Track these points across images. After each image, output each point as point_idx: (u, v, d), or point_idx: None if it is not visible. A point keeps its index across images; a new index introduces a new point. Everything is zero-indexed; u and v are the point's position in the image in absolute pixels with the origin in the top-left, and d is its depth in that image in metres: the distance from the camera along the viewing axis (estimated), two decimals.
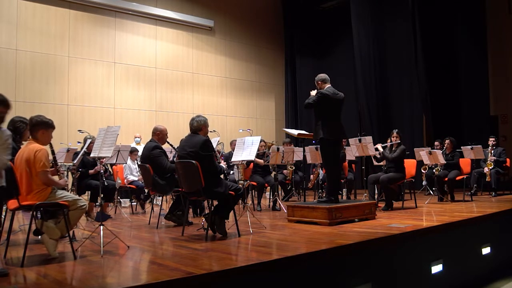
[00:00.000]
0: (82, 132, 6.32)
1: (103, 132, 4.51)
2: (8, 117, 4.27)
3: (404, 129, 9.76)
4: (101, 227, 3.89)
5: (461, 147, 8.07)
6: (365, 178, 7.02)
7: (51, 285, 2.66)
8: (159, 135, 5.50)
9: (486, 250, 5.17)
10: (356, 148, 7.05)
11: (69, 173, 6.80)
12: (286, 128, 10.78)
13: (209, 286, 2.81)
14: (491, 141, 8.51)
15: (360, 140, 6.95)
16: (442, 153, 7.48)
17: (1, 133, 2.99)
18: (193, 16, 11.71)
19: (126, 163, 7.30)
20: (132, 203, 7.68)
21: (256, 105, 13.07)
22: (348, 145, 7.60)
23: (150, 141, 5.51)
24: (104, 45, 10.37)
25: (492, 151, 8.44)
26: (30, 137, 3.66)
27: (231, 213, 4.47)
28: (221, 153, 7.74)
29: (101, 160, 5.25)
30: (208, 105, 11.95)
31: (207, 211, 5.24)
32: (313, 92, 5.53)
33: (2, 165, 2.94)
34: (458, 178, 7.46)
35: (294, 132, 6.39)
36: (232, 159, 5.72)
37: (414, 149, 8.49)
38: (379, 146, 6.78)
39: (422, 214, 5.89)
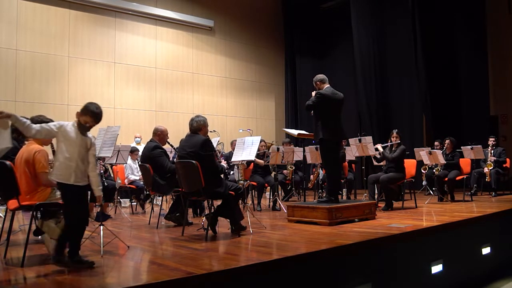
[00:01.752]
0: None
1: (103, 132, 4.52)
2: None
3: (404, 129, 9.76)
4: (101, 227, 3.90)
5: (461, 147, 8.07)
6: (365, 178, 7.02)
7: (51, 285, 2.66)
8: (160, 135, 5.50)
9: (486, 250, 5.17)
10: (356, 148, 7.04)
11: None
12: (286, 128, 10.78)
13: (209, 286, 2.81)
14: (491, 141, 8.51)
15: (360, 140, 6.95)
16: (442, 153, 7.48)
17: (89, 138, 3.24)
18: (193, 16, 11.70)
19: (126, 163, 7.30)
20: (132, 203, 7.68)
21: (256, 105, 13.07)
22: (348, 145, 7.60)
23: (150, 141, 5.51)
24: (104, 45, 10.37)
25: (492, 151, 8.44)
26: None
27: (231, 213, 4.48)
28: (221, 153, 7.74)
29: (100, 161, 5.25)
30: (208, 105, 11.95)
31: (207, 211, 5.24)
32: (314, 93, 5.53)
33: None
34: (458, 178, 7.47)
35: (294, 132, 6.39)
36: (232, 159, 5.72)
37: (414, 149, 8.49)
38: (379, 146, 6.77)
39: (422, 214, 5.89)
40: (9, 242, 3.58)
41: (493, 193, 8.23)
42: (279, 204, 6.93)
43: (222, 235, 4.43)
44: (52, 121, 3.69)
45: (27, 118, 3.87)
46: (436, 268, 4.34)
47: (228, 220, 4.57)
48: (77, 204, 3.18)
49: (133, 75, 10.80)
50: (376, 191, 6.94)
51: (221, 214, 4.53)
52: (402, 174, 6.57)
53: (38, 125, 3.09)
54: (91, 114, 3.16)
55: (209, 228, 4.36)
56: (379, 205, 6.44)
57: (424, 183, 8.19)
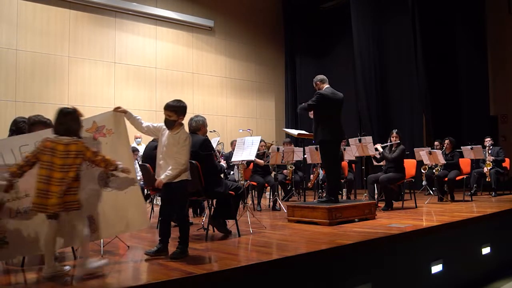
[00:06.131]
0: None
1: None
2: (10, 118, 4.28)
3: (404, 129, 9.75)
4: None
5: (461, 147, 8.07)
6: (365, 178, 7.02)
7: (51, 285, 2.66)
8: None
9: (486, 250, 5.18)
10: (356, 148, 7.04)
11: None
12: (286, 128, 10.78)
13: (209, 286, 2.81)
14: (487, 141, 8.50)
15: (360, 140, 6.95)
16: (442, 153, 7.48)
17: (179, 135, 3.42)
18: (193, 16, 11.71)
19: None
20: None
21: (256, 105, 13.07)
22: (348, 145, 7.60)
23: (152, 140, 5.51)
24: (104, 45, 10.37)
25: (490, 151, 8.43)
26: None
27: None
28: (221, 153, 7.73)
29: None
30: (208, 105, 11.94)
31: (207, 211, 5.24)
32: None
33: (181, 165, 3.39)
34: (458, 178, 7.46)
35: (294, 132, 6.39)
36: (232, 159, 5.71)
37: (414, 149, 8.49)
38: (378, 146, 6.78)
39: (422, 214, 5.89)
40: None
41: (493, 193, 8.23)
42: (279, 204, 6.93)
43: (222, 235, 4.43)
44: (49, 120, 3.69)
45: (26, 118, 3.88)
46: (436, 268, 4.35)
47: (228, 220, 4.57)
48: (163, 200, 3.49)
49: (133, 75, 10.80)
50: (376, 191, 6.94)
51: (221, 215, 4.52)
52: (401, 174, 6.57)
53: (147, 123, 3.58)
54: (166, 106, 3.41)
55: (210, 227, 4.36)
56: (379, 205, 6.44)
57: (424, 183, 8.19)
